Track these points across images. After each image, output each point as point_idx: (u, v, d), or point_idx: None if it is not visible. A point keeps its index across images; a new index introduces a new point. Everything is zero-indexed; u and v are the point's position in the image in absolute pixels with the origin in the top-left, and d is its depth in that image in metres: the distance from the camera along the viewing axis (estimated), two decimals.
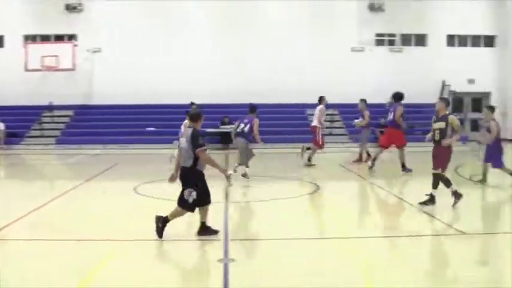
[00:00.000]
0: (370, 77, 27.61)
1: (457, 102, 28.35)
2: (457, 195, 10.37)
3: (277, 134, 24.84)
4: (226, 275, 6.65)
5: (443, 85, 28.28)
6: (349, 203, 11.78)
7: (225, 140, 23.07)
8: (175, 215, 8.30)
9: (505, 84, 28.49)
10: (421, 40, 29.22)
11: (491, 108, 13.76)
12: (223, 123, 24.49)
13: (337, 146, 24.03)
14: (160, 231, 8.16)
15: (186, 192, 8.14)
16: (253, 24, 27.83)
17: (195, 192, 8.12)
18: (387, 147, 16.14)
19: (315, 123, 17.74)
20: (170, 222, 8.24)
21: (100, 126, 26.74)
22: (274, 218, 9.93)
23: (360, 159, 18.04)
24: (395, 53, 28.45)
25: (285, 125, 26.18)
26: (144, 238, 8.18)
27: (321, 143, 17.64)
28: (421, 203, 10.51)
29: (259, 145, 15.10)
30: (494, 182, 13.32)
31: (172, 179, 8.63)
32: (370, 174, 15.42)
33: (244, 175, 13.93)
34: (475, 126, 27.78)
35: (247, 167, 14.08)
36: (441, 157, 10.48)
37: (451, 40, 29.26)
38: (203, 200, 8.28)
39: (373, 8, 28.07)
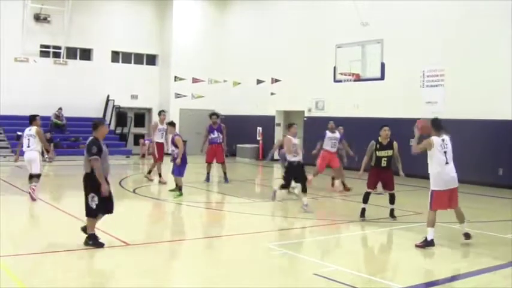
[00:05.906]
0: (35, 89, 26.97)
1: (120, 116, 29.43)
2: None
3: None
4: None
5: (108, 100, 29.09)
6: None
7: None
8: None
9: (165, 101, 30.45)
10: (86, 54, 29.60)
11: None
12: None
13: None
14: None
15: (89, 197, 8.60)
16: None
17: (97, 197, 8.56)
18: None
19: None
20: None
21: None
22: None
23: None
24: (60, 66, 28.24)
25: None
26: None
27: None
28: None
29: None
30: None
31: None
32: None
33: None
34: (137, 140, 29.47)
35: None
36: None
37: (115, 56, 30.24)
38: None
39: (38, 18, 27.47)
